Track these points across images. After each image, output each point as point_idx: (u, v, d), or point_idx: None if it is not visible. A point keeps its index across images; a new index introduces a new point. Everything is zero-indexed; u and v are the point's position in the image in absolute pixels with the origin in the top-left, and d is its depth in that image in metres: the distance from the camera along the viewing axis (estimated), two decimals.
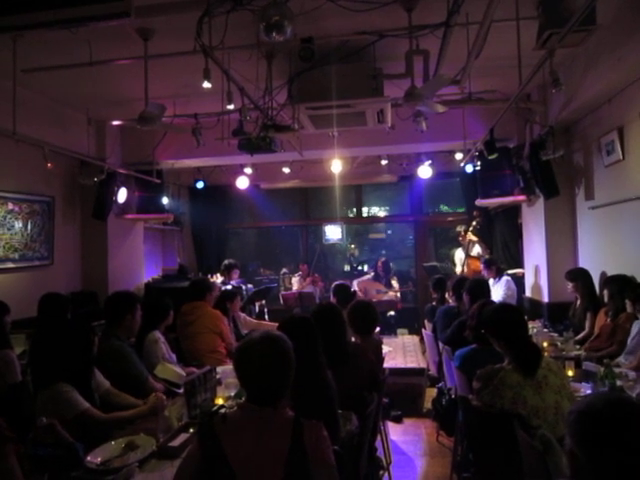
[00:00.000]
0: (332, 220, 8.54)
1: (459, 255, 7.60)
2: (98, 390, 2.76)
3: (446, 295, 5.42)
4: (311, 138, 5.80)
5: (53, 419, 2.19)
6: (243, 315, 5.31)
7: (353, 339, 3.74)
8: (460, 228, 7.59)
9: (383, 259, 7.84)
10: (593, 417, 1.30)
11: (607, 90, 4.31)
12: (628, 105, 4.24)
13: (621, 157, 4.42)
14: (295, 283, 8.07)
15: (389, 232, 10.42)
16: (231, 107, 3.93)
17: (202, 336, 4.25)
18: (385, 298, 7.13)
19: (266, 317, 6.81)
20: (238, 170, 7.30)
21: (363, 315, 3.64)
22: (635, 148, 4.23)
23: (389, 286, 7.49)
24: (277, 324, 2.55)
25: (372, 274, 7.83)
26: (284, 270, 9.02)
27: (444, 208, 9.57)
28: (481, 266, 6.48)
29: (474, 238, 7.24)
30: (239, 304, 5.10)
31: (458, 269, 7.41)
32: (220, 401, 2.86)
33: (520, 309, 3.05)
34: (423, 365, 5.06)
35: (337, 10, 3.29)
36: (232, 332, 4.63)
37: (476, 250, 7.32)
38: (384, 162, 7.35)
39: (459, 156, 6.52)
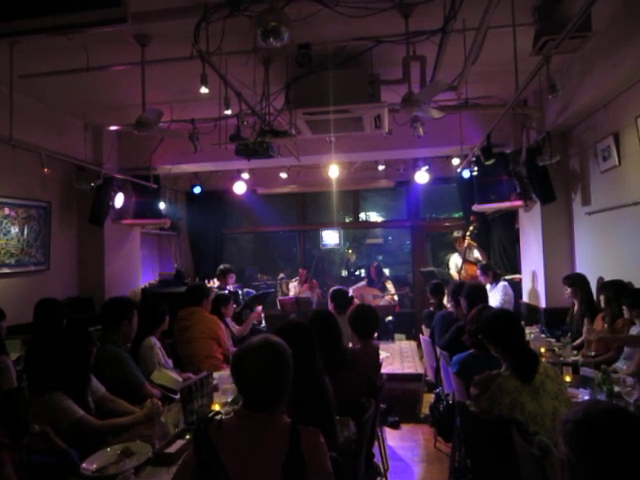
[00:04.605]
0: (329, 225, 8.52)
1: (454, 260, 7.60)
2: (93, 396, 2.74)
3: (444, 300, 5.42)
4: (308, 143, 5.81)
5: (46, 426, 2.17)
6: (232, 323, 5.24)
7: (351, 344, 3.75)
8: (457, 234, 7.59)
9: (375, 264, 7.88)
10: (591, 426, 1.29)
11: (603, 96, 4.33)
12: (623, 111, 4.26)
13: (617, 162, 4.43)
14: (292, 288, 8.05)
15: (386, 237, 10.42)
16: (228, 112, 3.93)
17: (199, 341, 4.24)
18: (382, 303, 7.12)
19: (263, 322, 6.79)
20: (235, 175, 7.31)
21: (365, 318, 3.65)
22: (631, 153, 4.25)
23: (384, 290, 7.50)
24: None
25: (366, 280, 7.85)
26: (281, 275, 8.99)
27: (441, 214, 9.58)
28: (478, 272, 6.48)
29: (472, 243, 7.25)
30: (232, 309, 5.07)
31: (454, 274, 7.42)
32: (217, 407, 2.85)
33: (517, 315, 3.05)
34: (421, 371, 5.03)
35: (334, 16, 3.29)
36: (229, 337, 4.61)
37: (474, 255, 7.31)
38: (381, 167, 7.35)
39: (456, 161, 6.52)
